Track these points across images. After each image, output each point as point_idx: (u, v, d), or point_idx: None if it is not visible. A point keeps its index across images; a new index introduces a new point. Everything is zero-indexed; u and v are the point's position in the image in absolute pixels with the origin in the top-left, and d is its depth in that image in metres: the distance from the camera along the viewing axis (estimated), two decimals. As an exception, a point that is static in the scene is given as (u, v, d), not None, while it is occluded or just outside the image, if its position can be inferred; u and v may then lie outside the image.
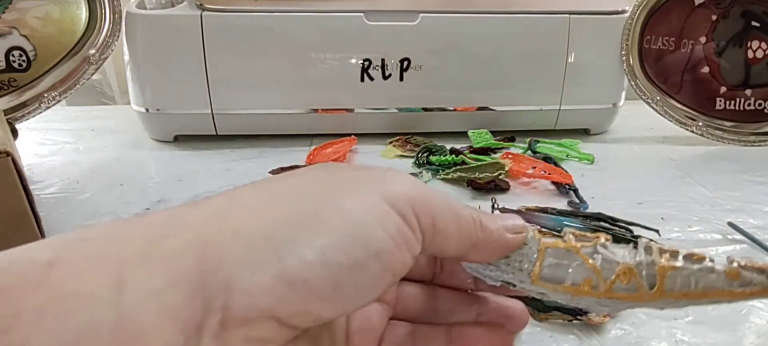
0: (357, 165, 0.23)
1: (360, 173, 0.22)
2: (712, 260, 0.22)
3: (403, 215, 0.21)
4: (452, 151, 0.69)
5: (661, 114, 0.76)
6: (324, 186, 0.21)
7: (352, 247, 0.19)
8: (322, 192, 0.21)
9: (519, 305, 0.27)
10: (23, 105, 0.69)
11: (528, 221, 0.55)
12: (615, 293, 0.23)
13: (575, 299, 0.23)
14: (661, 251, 0.23)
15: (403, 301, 0.27)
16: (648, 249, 0.23)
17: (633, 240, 0.24)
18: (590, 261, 0.23)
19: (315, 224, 0.19)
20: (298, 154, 0.70)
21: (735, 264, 0.22)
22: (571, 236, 0.24)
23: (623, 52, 0.74)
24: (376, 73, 0.70)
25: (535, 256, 0.24)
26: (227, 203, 0.20)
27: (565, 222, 0.51)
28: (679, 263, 0.22)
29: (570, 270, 0.23)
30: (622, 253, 0.23)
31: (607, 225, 0.51)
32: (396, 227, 0.20)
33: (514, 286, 0.24)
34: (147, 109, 0.71)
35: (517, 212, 0.53)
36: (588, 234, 0.24)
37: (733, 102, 0.74)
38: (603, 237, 0.24)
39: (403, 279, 0.25)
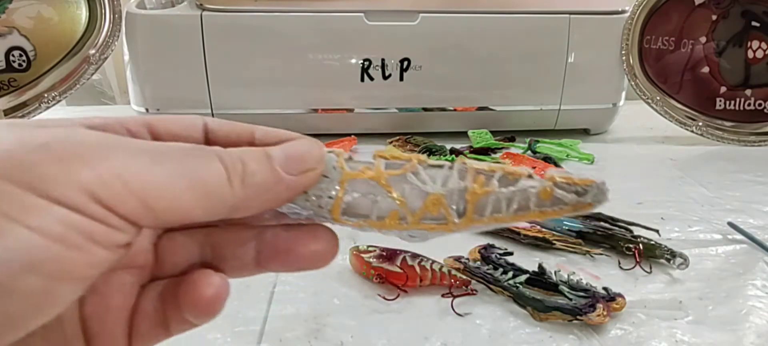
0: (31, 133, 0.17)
1: (15, 156, 0.16)
2: (530, 176, 0.22)
3: (78, 207, 0.16)
4: (452, 151, 0.69)
5: (661, 114, 0.76)
6: None
7: None
8: None
9: (319, 235, 0.22)
10: (23, 105, 0.69)
11: (527, 221, 0.54)
12: (423, 224, 0.22)
13: (383, 232, 0.22)
14: (477, 174, 0.22)
15: (169, 256, 0.23)
16: (462, 173, 0.22)
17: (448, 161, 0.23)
18: (395, 194, 0.22)
19: None
20: (298, 154, 0.70)
21: (549, 184, 0.21)
22: (380, 162, 0.22)
23: (623, 52, 0.74)
24: (376, 73, 0.70)
25: (336, 189, 0.21)
26: None
27: (565, 222, 0.51)
28: (492, 187, 0.22)
29: (375, 203, 0.22)
30: (433, 178, 0.22)
31: (607, 225, 0.51)
32: (64, 223, 0.16)
33: (320, 221, 0.22)
34: (147, 109, 0.71)
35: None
36: (402, 156, 0.22)
37: (733, 102, 0.74)
38: (416, 160, 0.22)
39: (173, 230, 0.22)
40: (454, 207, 0.22)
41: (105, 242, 0.17)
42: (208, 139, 0.23)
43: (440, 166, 0.22)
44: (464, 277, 0.43)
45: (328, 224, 0.22)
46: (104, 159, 0.17)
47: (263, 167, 0.19)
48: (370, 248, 0.45)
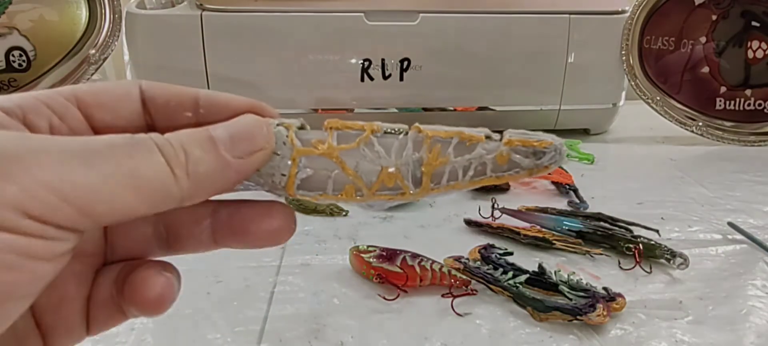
0: None
1: None
2: (489, 137, 0.22)
3: (9, 227, 0.15)
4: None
5: (661, 114, 0.76)
6: None
7: None
8: None
9: (274, 213, 0.22)
10: (23, 105, 0.69)
11: (527, 221, 0.54)
12: (380, 195, 0.22)
13: (340, 203, 0.22)
14: (432, 142, 0.22)
15: (121, 240, 0.22)
16: (417, 143, 0.22)
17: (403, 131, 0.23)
18: (349, 169, 0.22)
19: None
20: (298, 154, 0.70)
21: (505, 149, 0.21)
22: (333, 134, 0.22)
23: (623, 52, 0.74)
24: (376, 73, 0.70)
25: (288, 166, 0.21)
26: None
27: (565, 222, 0.51)
28: (448, 156, 0.22)
29: (330, 178, 0.22)
30: (388, 149, 0.22)
31: (607, 225, 0.51)
32: None
33: (276, 195, 0.22)
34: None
35: (517, 211, 0.53)
36: (356, 125, 0.22)
37: (733, 102, 0.74)
38: (369, 130, 0.22)
39: None
40: (410, 178, 0.22)
41: (45, 255, 0.16)
42: (146, 108, 0.22)
43: (396, 134, 0.23)
44: (464, 277, 0.43)
45: (285, 198, 0.22)
46: (29, 169, 0.15)
47: (208, 154, 0.18)
48: (370, 248, 0.45)
